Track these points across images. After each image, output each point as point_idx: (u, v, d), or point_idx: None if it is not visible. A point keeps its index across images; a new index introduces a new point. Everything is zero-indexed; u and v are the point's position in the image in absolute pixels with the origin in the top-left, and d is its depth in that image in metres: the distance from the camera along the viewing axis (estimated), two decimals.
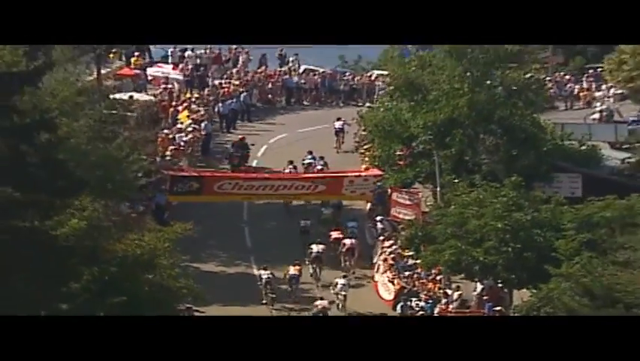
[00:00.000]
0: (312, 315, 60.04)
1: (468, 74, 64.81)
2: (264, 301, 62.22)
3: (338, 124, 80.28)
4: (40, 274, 40.28)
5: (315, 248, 63.40)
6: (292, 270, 63.15)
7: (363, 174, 64.79)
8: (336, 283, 62.75)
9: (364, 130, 74.47)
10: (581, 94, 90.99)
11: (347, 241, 64.72)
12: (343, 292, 62.60)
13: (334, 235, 65.91)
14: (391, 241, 63.74)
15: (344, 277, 63.19)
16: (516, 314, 54.60)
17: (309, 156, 75.22)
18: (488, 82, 65.03)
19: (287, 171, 71.61)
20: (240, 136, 79.79)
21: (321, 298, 61.49)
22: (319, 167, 74.07)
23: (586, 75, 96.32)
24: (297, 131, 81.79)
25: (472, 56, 65.00)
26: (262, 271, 63.49)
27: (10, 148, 41.47)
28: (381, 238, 64.87)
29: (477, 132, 63.48)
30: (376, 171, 65.18)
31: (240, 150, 77.74)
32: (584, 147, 67.95)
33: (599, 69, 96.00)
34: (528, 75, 69.47)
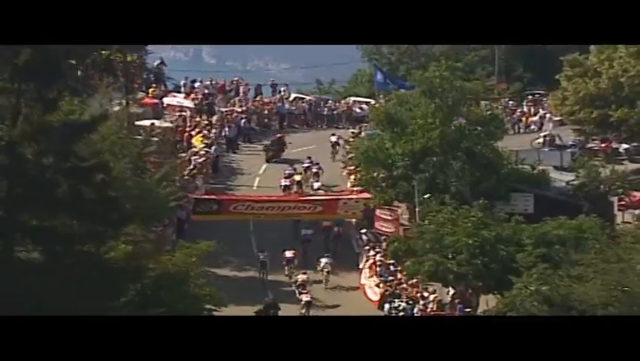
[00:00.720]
0: (295, 288, 61.99)
1: (439, 110, 64.87)
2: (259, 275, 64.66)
3: (334, 138, 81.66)
4: (95, 291, 40.43)
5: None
6: (288, 253, 64.49)
7: (354, 197, 65.06)
8: (321, 262, 64.09)
9: (350, 155, 73.92)
10: (523, 118, 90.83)
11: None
12: (326, 270, 63.98)
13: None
14: (376, 251, 63.92)
15: (327, 256, 64.58)
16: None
17: (307, 160, 76.78)
18: (456, 117, 65.04)
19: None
20: (279, 135, 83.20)
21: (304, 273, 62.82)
22: (314, 170, 75.11)
23: (526, 101, 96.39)
24: (291, 150, 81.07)
25: (442, 96, 65.35)
26: (260, 254, 64.93)
27: (71, 187, 41.64)
28: (367, 247, 64.94)
29: (447, 159, 63.66)
30: (365, 195, 65.54)
31: (277, 145, 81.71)
32: (535, 171, 68.06)
33: (537, 94, 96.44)
34: (489, 112, 69.84)
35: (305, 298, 61.79)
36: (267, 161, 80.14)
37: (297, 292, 62.89)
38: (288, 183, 74.52)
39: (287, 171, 75.95)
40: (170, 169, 65.44)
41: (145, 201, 52.15)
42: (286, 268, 64.57)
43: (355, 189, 68.98)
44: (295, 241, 66.81)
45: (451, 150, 64.15)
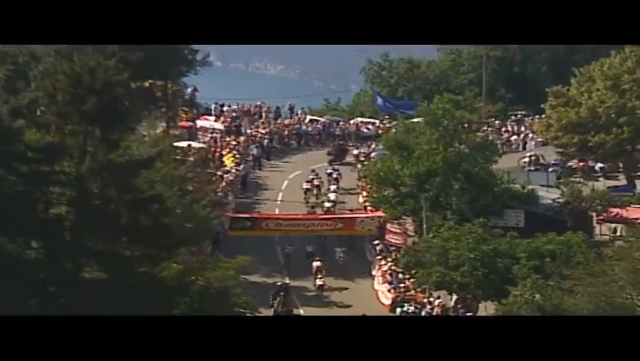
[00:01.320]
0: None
1: (441, 138, 64.94)
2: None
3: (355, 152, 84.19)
4: (150, 305, 40.35)
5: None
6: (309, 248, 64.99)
7: (370, 215, 64.92)
8: (335, 252, 64.90)
9: (363, 175, 74.16)
10: (510, 137, 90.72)
11: None
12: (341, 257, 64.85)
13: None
14: (387, 260, 63.82)
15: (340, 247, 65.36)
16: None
17: (330, 168, 78.83)
18: (456, 143, 64.95)
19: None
20: (341, 143, 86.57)
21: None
22: (335, 175, 76.92)
23: (509, 120, 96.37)
24: (309, 168, 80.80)
25: (444, 125, 65.34)
26: (288, 247, 65.49)
27: (131, 216, 41.71)
28: (378, 257, 64.82)
29: (448, 180, 63.64)
30: (380, 213, 65.34)
31: (339, 151, 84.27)
32: (525, 190, 68.01)
33: (519, 114, 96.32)
34: (485, 139, 69.88)
35: (319, 282, 62.39)
36: (330, 163, 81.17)
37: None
38: (309, 187, 75.06)
39: (310, 176, 76.32)
40: (207, 189, 65.13)
41: (193, 224, 51.69)
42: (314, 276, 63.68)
43: (369, 208, 68.76)
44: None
45: (452, 172, 64.09)
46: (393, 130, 74.40)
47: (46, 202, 42.28)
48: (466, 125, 68.13)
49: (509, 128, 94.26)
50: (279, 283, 60.60)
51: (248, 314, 48.94)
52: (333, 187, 75.04)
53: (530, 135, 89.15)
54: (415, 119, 71.85)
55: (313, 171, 77.86)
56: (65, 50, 50.98)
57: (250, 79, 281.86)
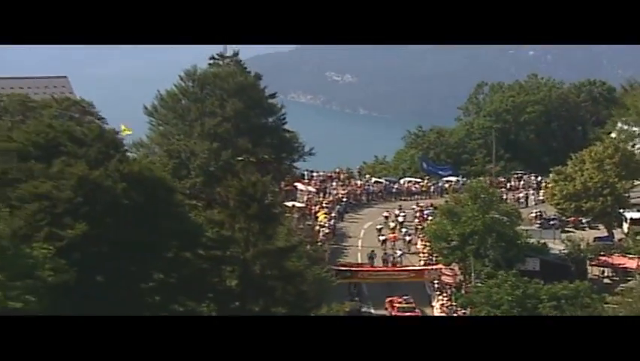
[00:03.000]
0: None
1: (480, 207, 63.51)
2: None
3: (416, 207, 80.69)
4: None
5: None
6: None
7: (433, 268, 63.33)
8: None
9: (423, 234, 71.97)
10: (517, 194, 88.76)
11: None
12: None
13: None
14: (444, 295, 62.30)
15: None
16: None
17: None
18: (491, 212, 63.40)
19: None
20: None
21: None
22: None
23: (513, 177, 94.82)
24: (377, 219, 79.16)
25: (482, 198, 63.97)
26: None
27: (282, 287, 40.61)
28: (437, 292, 63.22)
29: (485, 237, 62.13)
30: (440, 266, 63.80)
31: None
32: (539, 243, 66.49)
33: (520, 173, 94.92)
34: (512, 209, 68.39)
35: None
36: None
37: None
38: (381, 226, 74.77)
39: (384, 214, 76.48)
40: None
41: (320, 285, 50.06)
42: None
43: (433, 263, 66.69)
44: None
45: (488, 232, 62.67)
46: (445, 202, 72.12)
47: (220, 277, 41.19)
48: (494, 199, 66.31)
49: (513, 183, 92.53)
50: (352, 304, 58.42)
51: None
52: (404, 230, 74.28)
53: (532, 192, 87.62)
54: (462, 194, 70.33)
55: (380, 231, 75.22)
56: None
57: (290, 107, 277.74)
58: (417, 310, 59.15)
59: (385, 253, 69.04)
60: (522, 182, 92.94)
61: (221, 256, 40.65)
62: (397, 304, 59.36)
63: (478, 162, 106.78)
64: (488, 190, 65.61)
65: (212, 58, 74.33)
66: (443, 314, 59.57)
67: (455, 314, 58.86)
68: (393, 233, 73.35)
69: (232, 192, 40.18)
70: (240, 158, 60.87)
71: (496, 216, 62.99)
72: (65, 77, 74.71)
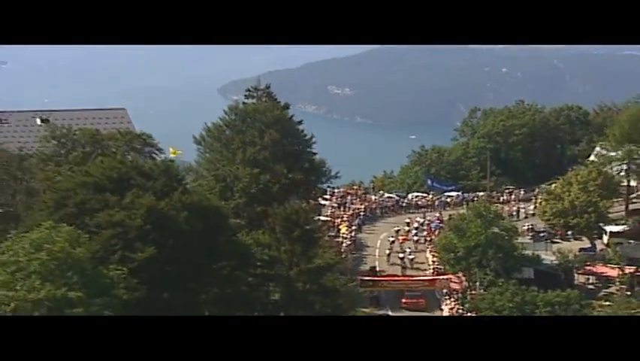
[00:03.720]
0: None
1: (483, 224, 62.90)
2: None
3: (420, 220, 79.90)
4: None
5: None
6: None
7: (444, 277, 62.60)
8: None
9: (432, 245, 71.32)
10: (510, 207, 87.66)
11: None
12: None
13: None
14: (452, 299, 61.65)
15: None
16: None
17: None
18: (493, 227, 62.78)
19: None
20: None
21: None
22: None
23: (505, 192, 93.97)
24: (391, 230, 78.45)
25: (485, 216, 63.43)
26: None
27: (321, 301, 40.22)
28: (445, 297, 62.59)
29: (487, 250, 61.57)
30: (450, 276, 62.95)
31: None
32: (533, 255, 65.87)
33: (511, 189, 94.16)
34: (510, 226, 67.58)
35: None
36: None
37: None
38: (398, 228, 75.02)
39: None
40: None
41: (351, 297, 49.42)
42: None
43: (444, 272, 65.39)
44: None
45: (490, 245, 61.95)
46: (453, 218, 71.32)
47: (266, 292, 40.90)
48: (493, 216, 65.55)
49: (505, 198, 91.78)
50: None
51: None
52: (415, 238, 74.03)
53: (522, 205, 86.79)
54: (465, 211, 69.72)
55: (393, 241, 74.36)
56: None
57: (297, 115, 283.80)
58: (422, 297, 60.24)
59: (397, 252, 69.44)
60: (513, 196, 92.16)
61: (268, 274, 40.35)
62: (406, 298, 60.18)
63: (473, 177, 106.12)
64: (490, 209, 64.83)
65: (248, 90, 74.46)
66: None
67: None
68: (404, 236, 73.75)
69: (278, 218, 39.91)
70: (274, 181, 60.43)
71: (497, 231, 62.31)
72: (124, 108, 74.21)
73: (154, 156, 55.02)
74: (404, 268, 67.15)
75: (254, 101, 73.34)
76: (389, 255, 70.25)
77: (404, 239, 72.98)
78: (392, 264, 68.84)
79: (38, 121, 65.77)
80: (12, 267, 30.53)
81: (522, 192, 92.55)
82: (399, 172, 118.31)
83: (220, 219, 39.90)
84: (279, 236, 39.86)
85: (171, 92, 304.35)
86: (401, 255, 69.25)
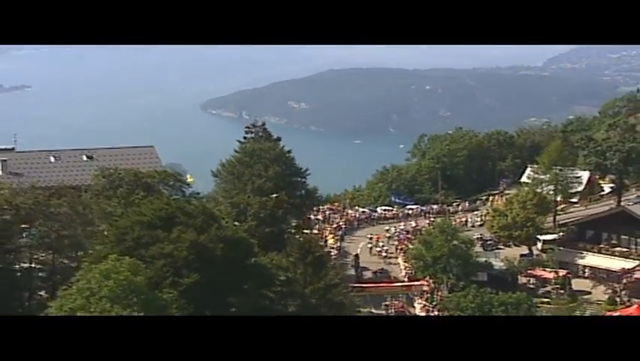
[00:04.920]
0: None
1: (446, 237, 62.91)
2: None
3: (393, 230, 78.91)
4: None
5: None
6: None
7: (419, 283, 62.54)
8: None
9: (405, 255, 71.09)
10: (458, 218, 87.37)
11: None
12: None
13: None
14: (422, 298, 61.42)
15: None
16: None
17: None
18: (454, 240, 63.14)
19: None
20: None
21: None
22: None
23: (454, 204, 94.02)
24: (368, 237, 78.27)
25: (447, 231, 63.80)
26: None
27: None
28: (417, 297, 62.06)
29: (449, 259, 62.40)
30: (423, 282, 62.53)
31: None
32: (486, 262, 66.53)
33: (458, 201, 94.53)
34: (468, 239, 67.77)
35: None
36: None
37: None
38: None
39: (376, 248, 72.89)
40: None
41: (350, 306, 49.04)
42: None
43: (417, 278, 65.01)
44: None
45: (452, 255, 62.55)
46: (423, 233, 71.21)
47: (285, 305, 40.80)
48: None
49: (453, 209, 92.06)
50: None
51: None
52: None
53: (470, 220, 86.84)
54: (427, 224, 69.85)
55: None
56: None
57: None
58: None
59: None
60: (460, 207, 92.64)
61: (286, 291, 40.39)
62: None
63: (426, 191, 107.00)
64: (450, 225, 65.38)
65: (247, 127, 75.13)
66: (423, 313, 59.16)
67: (432, 313, 58.62)
68: (378, 235, 74.32)
69: (294, 247, 40.03)
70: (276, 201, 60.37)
71: (457, 243, 62.84)
72: (152, 146, 72.87)
73: (183, 190, 54.95)
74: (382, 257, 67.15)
75: (252, 135, 74.00)
76: (370, 249, 70.94)
77: (378, 237, 73.45)
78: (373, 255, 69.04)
79: (84, 157, 65.23)
80: (86, 293, 30.41)
81: (467, 204, 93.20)
82: (365, 186, 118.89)
83: (247, 248, 39.93)
84: (295, 260, 39.91)
85: (162, 108, 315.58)
86: (377, 249, 70.44)
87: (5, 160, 61.03)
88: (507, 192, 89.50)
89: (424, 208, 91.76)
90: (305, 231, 70.19)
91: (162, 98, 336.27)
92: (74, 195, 47.78)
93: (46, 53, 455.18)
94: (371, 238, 75.62)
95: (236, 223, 50.14)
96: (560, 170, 74.98)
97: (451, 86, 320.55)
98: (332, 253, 69.78)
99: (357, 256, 65.84)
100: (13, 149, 75.35)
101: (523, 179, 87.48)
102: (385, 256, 69.67)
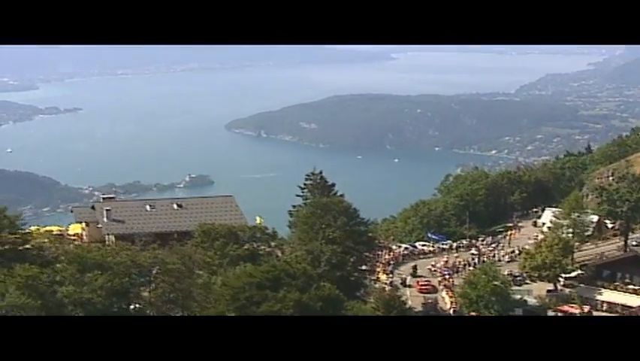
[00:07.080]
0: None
1: None
2: None
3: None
4: None
5: None
6: None
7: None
8: None
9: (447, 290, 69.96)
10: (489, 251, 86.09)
11: None
12: None
13: None
14: None
15: None
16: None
17: None
18: (495, 281, 61.50)
19: None
20: None
21: None
22: None
23: (479, 239, 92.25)
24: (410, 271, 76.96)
25: (489, 273, 62.40)
26: None
27: None
28: None
29: (491, 298, 60.37)
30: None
31: None
32: (520, 299, 64.56)
33: (482, 236, 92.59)
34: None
35: None
36: None
37: None
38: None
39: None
40: None
41: None
42: None
43: None
44: None
45: (493, 293, 61.38)
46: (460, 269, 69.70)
47: None
48: None
49: (480, 243, 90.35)
50: None
51: None
52: None
53: (497, 252, 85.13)
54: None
55: None
56: None
57: (279, 143, 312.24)
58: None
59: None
60: (484, 242, 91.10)
61: None
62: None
63: (452, 225, 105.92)
64: (492, 267, 64.29)
65: (307, 176, 75.71)
66: None
67: None
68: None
69: (381, 302, 39.30)
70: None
71: (497, 283, 61.60)
72: (231, 195, 72.86)
73: (268, 241, 55.02)
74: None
75: (311, 182, 74.46)
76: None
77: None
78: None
79: (175, 206, 65.56)
80: None
81: (490, 239, 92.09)
82: (398, 218, 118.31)
83: (338, 303, 39.56)
84: (382, 313, 39.24)
85: (193, 127, 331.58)
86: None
87: (109, 209, 61.85)
88: (520, 224, 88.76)
89: (454, 244, 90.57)
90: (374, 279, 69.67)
91: (194, 118, 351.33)
92: (182, 252, 47.48)
93: (96, 81, 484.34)
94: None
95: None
96: (579, 216, 73.59)
97: (438, 110, 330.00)
98: (385, 288, 68.87)
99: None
100: (113, 198, 76.44)
101: (543, 220, 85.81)
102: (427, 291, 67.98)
